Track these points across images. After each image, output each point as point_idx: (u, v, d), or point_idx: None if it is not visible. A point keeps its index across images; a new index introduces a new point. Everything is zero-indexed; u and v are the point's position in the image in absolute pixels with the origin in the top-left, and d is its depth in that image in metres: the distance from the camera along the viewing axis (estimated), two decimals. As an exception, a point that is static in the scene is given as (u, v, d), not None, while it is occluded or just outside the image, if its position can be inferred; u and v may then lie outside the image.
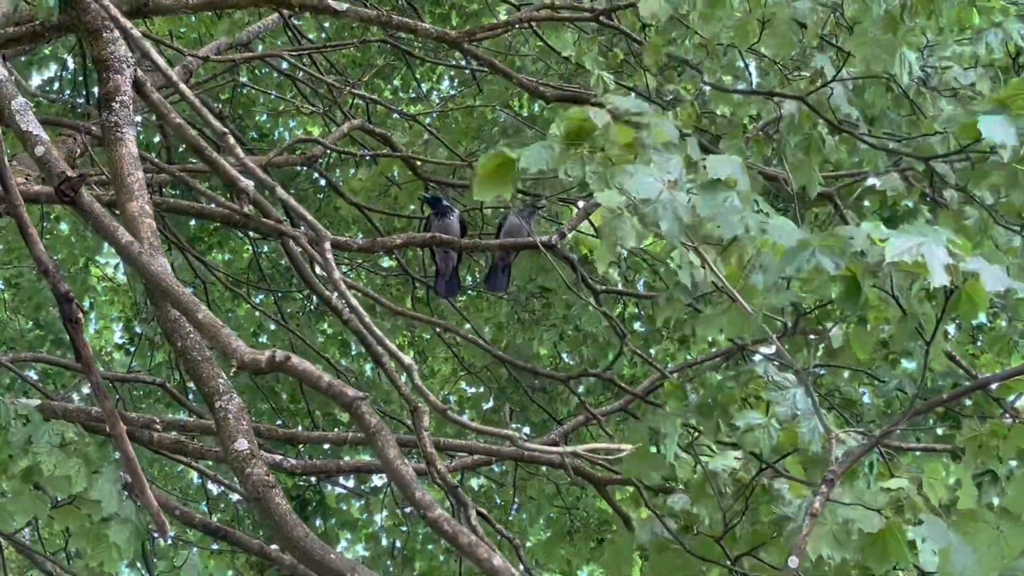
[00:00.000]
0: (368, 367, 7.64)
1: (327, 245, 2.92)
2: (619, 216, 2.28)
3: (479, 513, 3.70)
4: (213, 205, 4.12)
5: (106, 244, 8.04)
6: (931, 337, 2.41)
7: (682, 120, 4.30)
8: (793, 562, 2.40)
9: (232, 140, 2.93)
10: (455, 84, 7.98)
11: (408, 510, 7.39)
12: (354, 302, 2.71)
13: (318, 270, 4.80)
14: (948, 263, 2.26)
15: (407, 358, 2.68)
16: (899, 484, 2.74)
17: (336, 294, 3.58)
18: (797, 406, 2.64)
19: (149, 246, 3.04)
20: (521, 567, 4.16)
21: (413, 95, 7.64)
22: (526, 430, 6.90)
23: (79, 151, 5.03)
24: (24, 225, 2.96)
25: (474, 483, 7.55)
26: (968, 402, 4.70)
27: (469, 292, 7.04)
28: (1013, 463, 2.82)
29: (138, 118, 7.14)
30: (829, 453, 2.60)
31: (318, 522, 7.32)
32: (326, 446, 7.00)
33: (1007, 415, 2.77)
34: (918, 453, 4.56)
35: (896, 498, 2.60)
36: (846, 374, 6.02)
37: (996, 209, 4.36)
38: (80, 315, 3.01)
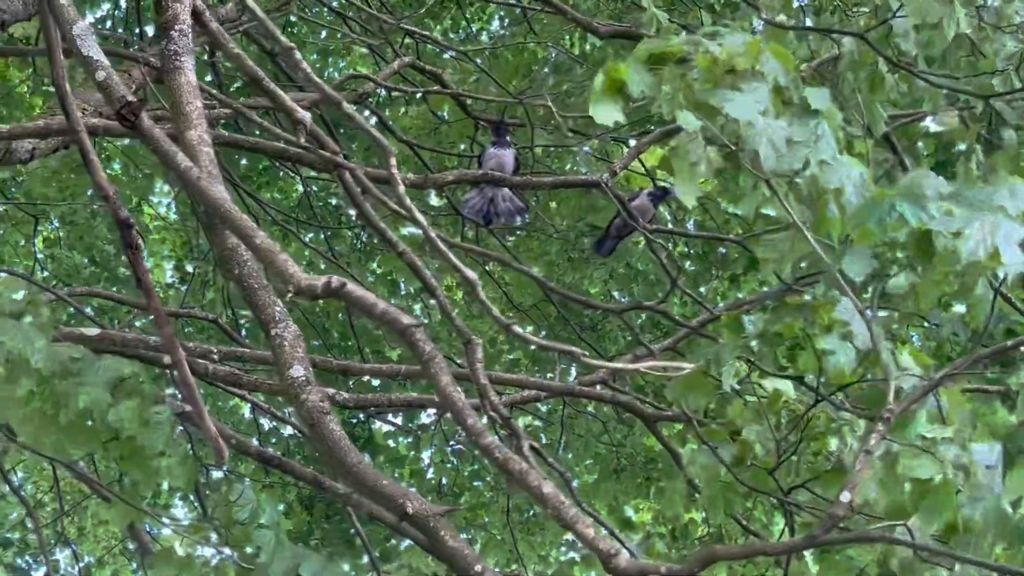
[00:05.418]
0: (417, 307, 7.69)
1: (392, 160, 2.92)
2: (695, 140, 2.24)
3: (531, 446, 3.73)
4: (280, 141, 4.13)
5: (158, 183, 8.12)
6: (1001, 280, 2.39)
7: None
8: (845, 496, 2.38)
9: (299, 55, 2.93)
10: (505, 24, 7.94)
11: (457, 447, 7.47)
12: (420, 217, 2.72)
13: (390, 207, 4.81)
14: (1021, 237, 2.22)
15: (471, 273, 2.68)
16: (950, 432, 2.71)
17: (394, 227, 3.59)
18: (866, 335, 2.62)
19: (207, 174, 3.06)
20: (572, 500, 4.19)
21: (463, 35, 7.61)
22: (574, 369, 6.91)
23: (134, 87, 5.05)
24: (86, 151, 2.98)
25: (521, 422, 7.59)
26: (1024, 350, 4.66)
27: (519, 232, 7.04)
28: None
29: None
30: (888, 391, 2.57)
31: (367, 459, 7.38)
32: (376, 382, 7.08)
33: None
34: (968, 395, 4.54)
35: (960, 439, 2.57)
36: (897, 316, 5.97)
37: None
38: (140, 241, 3.04)
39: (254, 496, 4.18)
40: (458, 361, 5.44)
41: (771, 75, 2.35)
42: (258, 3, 3.68)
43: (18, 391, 2.94)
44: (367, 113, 6.83)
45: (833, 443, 3.07)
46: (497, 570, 2.75)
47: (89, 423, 3.86)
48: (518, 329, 2.73)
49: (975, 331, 5.33)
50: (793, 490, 3.01)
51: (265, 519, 4.10)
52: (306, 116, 3.38)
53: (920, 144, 5.62)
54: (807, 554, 4.08)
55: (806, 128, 2.28)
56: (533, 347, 7.48)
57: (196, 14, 3.39)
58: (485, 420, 4.04)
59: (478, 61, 6.69)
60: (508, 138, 5.25)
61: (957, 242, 2.22)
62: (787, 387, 2.85)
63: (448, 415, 6.86)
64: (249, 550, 4.06)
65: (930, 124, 5.31)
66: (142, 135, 2.76)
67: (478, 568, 2.69)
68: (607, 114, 2.39)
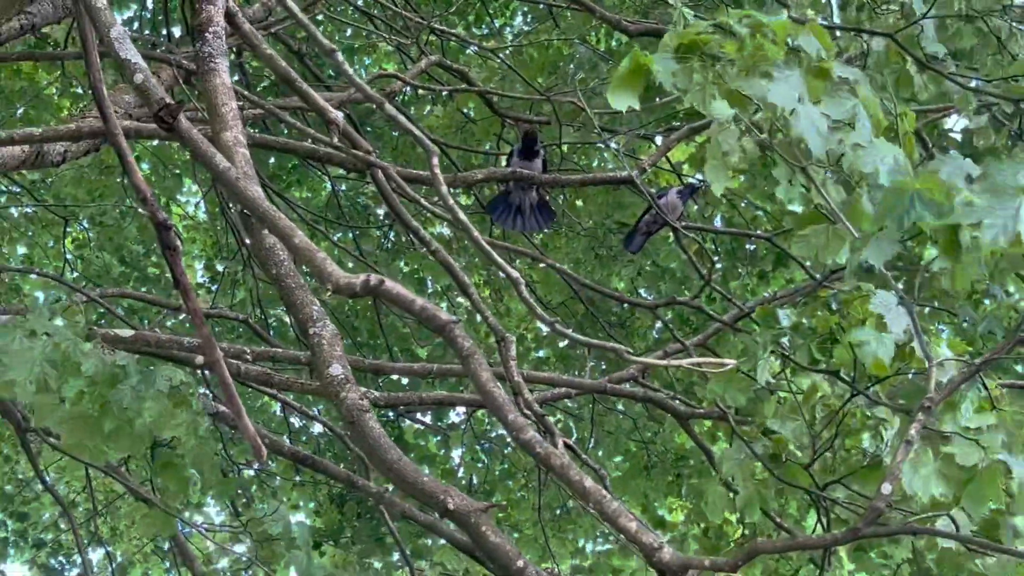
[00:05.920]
0: (444, 305, 7.70)
1: (435, 160, 2.94)
2: (727, 129, 2.24)
3: (565, 443, 3.74)
4: (312, 141, 4.15)
5: (187, 183, 8.16)
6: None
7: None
8: (886, 488, 2.37)
9: (341, 57, 2.95)
10: (528, 20, 7.94)
11: (487, 445, 7.48)
12: (463, 216, 2.73)
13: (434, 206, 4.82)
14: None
15: (514, 272, 2.69)
16: (996, 420, 2.69)
17: (423, 230, 3.61)
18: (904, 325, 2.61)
19: (243, 174, 3.08)
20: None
21: (486, 31, 7.61)
22: (603, 366, 6.91)
23: (165, 88, 5.09)
24: (124, 154, 3.01)
25: (551, 419, 7.57)
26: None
27: (545, 230, 7.04)
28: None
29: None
30: (928, 380, 2.56)
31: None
32: (405, 381, 7.10)
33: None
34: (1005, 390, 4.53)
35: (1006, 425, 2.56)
36: (927, 311, 5.97)
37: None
38: (178, 243, 3.06)
39: (287, 512, 4.20)
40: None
41: (810, 51, 2.34)
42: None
43: (67, 392, 2.94)
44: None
45: (866, 439, 3.06)
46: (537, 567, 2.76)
47: (131, 429, 3.88)
48: (561, 327, 2.74)
49: (1007, 328, 5.31)
50: (828, 486, 3.00)
51: (296, 534, 4.12)
52: (339, 116, 3.40)
53: (943, 142, 5.60)
54: (842, 551, 4.08)
55: (843, 108, 2.27)
56: (564, 344, 7.50)
57: (229, 16, 3.42)
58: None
59: (502, 57, 6.69)
60: (537, 147, 5.23)
61: (978, 232, 2.19)
62: (822, 382, 2.85)
63: (480, 412, 6.86)
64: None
65: (956, 122, 5.31)
66: (180, 136, 2.78)
67: (520, 564, 2.70)
68: (623, 100, 2.40)
